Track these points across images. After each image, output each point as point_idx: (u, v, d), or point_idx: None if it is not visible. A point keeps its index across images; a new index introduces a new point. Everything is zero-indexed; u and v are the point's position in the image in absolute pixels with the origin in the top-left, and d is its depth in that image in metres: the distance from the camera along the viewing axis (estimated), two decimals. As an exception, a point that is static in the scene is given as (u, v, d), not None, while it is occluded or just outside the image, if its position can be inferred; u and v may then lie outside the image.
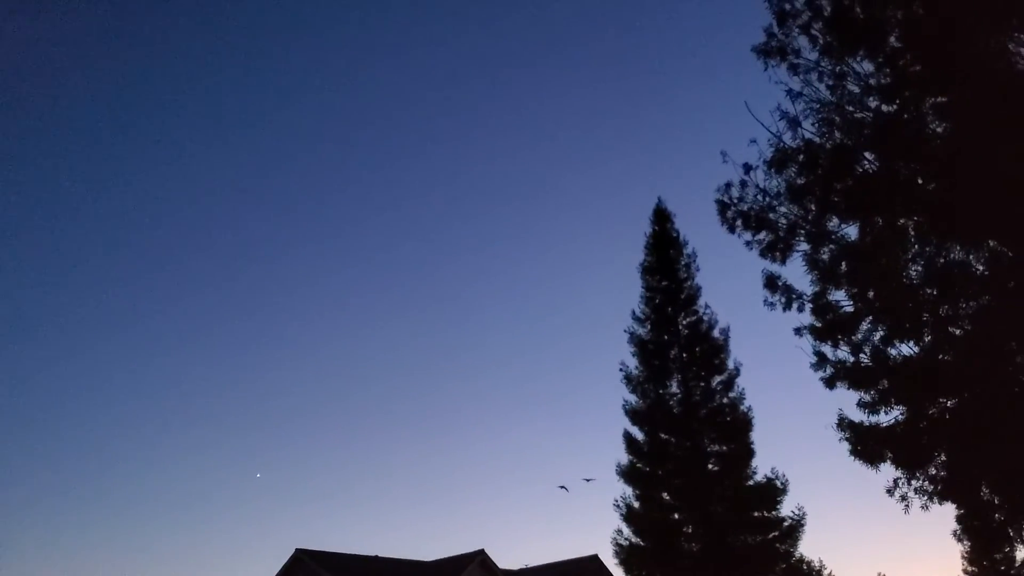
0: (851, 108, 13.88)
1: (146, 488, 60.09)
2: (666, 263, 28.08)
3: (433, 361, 64.39)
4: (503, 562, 35.39)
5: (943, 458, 13.97)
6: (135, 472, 59.44)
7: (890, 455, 14.02)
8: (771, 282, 14.51)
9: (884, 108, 13.72)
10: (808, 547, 25.85)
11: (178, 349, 64.62)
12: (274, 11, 64.88)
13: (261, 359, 65.49)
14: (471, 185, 67.32)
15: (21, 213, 62.35)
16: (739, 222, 14.52)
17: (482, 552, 34.55)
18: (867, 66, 13.72)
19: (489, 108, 64.56)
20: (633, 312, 27.91)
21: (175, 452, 61.66)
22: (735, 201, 14.55)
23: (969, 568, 33.47)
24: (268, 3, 64.74)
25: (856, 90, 13.83)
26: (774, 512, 25.62)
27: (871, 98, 13.79)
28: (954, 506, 14.23)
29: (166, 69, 64.89)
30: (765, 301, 14.55)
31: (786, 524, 25.37)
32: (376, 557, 35.52)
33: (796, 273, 14.35)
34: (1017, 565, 13.68)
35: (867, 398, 14.19)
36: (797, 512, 25.37)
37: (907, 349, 14.02)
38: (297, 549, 33.56)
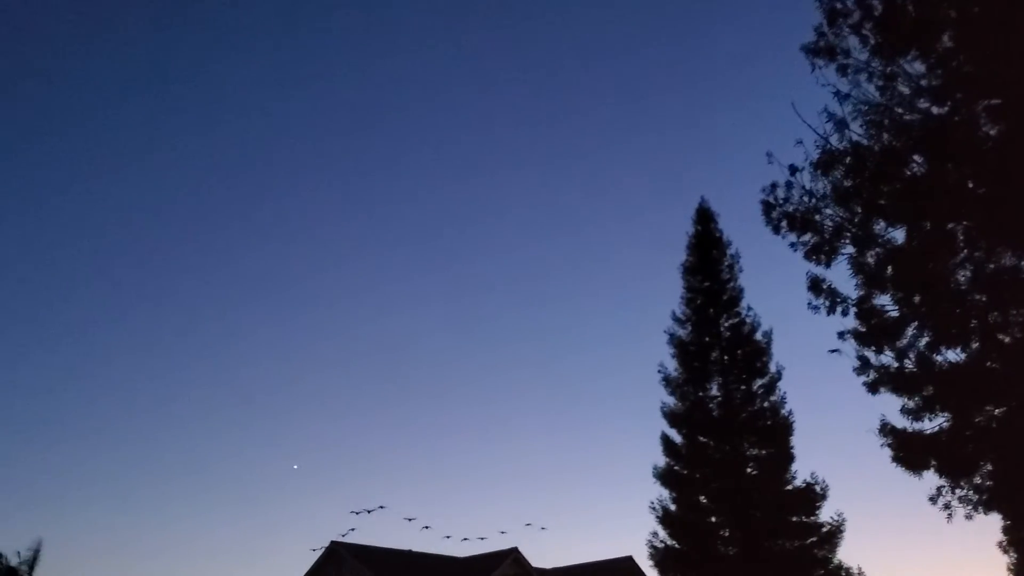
0: (900, 110, 13.68)
1: (182, 478, 61.08)
2: (708, 264, 27.86)
3: (472, 358, 64.63)
4: (536, 561, 35.40)
5: (989, 467, 13.73)
6: (171, 463, 60.33)
7: (934, 463, 13.82)
8: (815, 285, 14.35)
9: (934, 110, 13.51)
10: (847, 553, 25.50)
11: (215, 337, 65.45)
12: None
13: (302, 351, 66.22)
14: (514, 180, 67.38)
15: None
16: (784, 223, 14.37)
17: (515, 550, 34.56)
18: (918, 67, 13.51)
19: (516, 108, 64.64)
20: (673, 313, 27.75)
21: (212, 443, 62.60)
22: (780, 202, 14.40)
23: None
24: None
25: (906, 91, 13.62)
26: (813, 517, 25.38)
27: (921, 100, 13.58)
28: (1000, 516, 13.98)
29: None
30: (809, 304, 14.39)
31: (825, 530, 25.12)
32: (410, 552, 35.75)
33: (841, 276, 14.18)
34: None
35: (911, 404, 13.99)
36: (836, 518, 25.12)
37: (953, 356, 13.81)
38: (332, 541, 33.87)
